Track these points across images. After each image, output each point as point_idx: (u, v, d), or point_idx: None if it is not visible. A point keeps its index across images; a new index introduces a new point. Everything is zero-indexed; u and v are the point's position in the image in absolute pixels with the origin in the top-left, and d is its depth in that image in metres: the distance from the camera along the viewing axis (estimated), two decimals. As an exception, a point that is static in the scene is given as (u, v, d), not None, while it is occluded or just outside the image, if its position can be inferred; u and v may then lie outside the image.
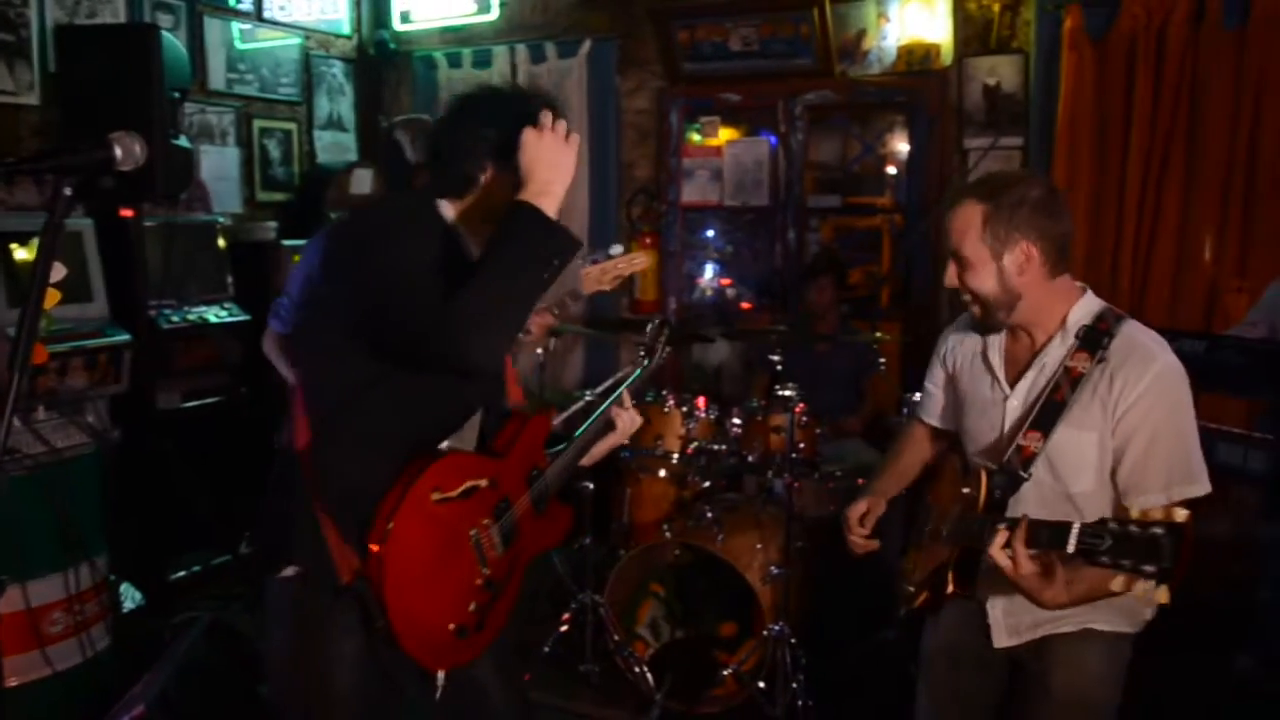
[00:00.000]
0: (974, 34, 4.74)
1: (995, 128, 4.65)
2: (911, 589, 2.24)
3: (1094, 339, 2.00)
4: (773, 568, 3.48)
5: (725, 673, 3.49)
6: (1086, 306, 2.05)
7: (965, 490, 2.04)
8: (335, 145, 5.95)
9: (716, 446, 3.96)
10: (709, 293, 5.80)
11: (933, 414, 2.41)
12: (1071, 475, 2.01)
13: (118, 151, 1.40)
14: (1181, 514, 1.53)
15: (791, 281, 5.24)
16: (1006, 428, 2.10)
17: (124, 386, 3.82)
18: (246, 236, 5.03)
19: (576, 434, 2.27)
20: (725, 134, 5.52)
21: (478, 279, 1.67)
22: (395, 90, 6.17)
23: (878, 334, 4.36)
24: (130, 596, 3.93)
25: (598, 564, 3.78)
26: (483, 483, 1.91)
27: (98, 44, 3.89)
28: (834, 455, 4.24)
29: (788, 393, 3.46)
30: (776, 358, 3.83)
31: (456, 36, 5.96)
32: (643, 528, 3.98)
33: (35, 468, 3.15)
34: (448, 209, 1.90)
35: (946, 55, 4.78)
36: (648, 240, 5.55)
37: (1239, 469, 3.10)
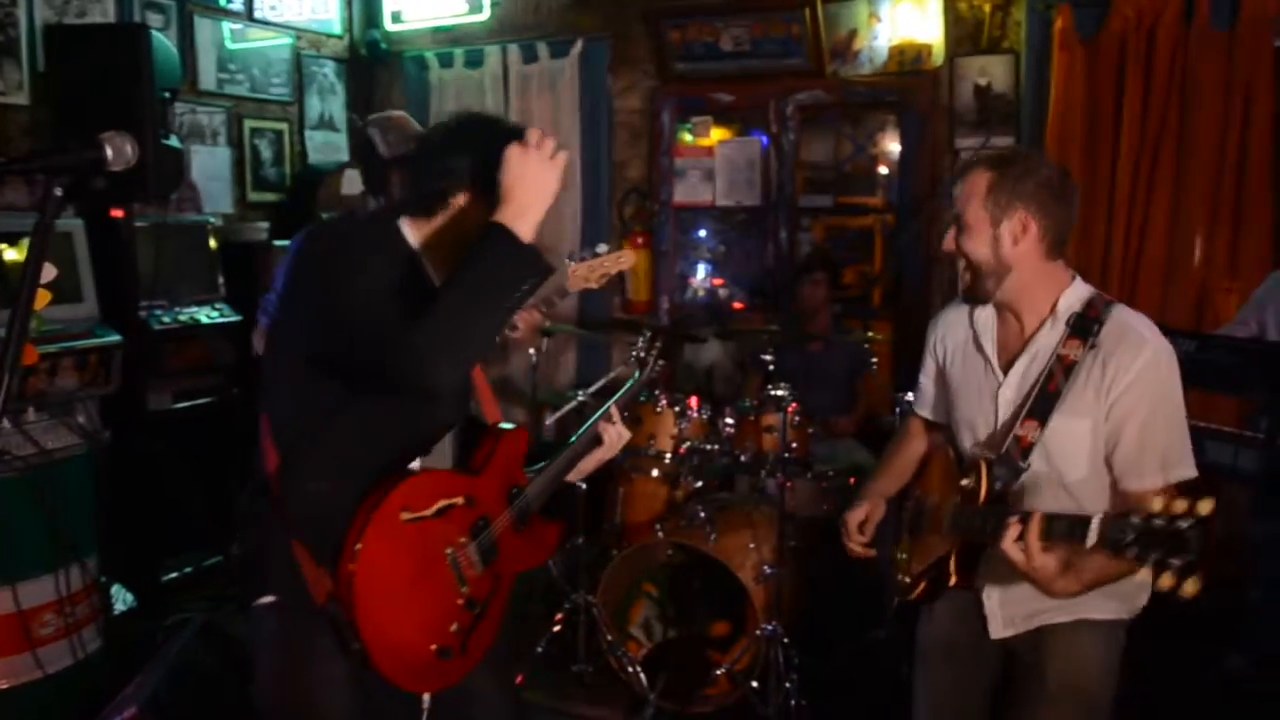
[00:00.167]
0: (965, 34, 4.75)
1: (986, 127, 4.67)
2: (908, 580, 2.24)
3: (1085, 325, 2.02)
4: (765, 567, 3.48)
5: (718, 672, 3.49)
6: (1076, 293, 2.06)
7: (965, 482, 2.05)
8: (327, 145, 5.94)
9: (709, 446, 3.96)
10: (701, 293, 5.81)
11: (925, 407, 2.42)
12: (1067, 463, 2.02)
13: (108, 152, 1.39)
14: (1207, 505, 1.54)
15: (784, 281, 5.24)
16: (1001, 416, 2.11)
17: (115, 387, 3.80)
18: (238, 237, 5.01)
19: (566, 445, 2.23)
20: (717, 134, 5.53)
21: (443, 301, 1.64)
22: (387, 90, 6.16)
23: (870, 334, 4.37)
24: (122, 598, 3.92)
25: (590, 564, 3.78)
26: (458, 501, 1.89)
27: (87, 43, 3.88)
28: (827, 455, 4.25)
29: (780, 393, 3.47)
30: (769, 357, 3.83)
31: (448, 36, 5.96)
32: (635, 527, 3.98)
33: (25, 469, 3.14)
34: (411, 232, 1.85)
35: (938, 55, 4.79)
36: (640, 240, 5.55)
37: (1229, 468, 3.10)
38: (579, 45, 5.49)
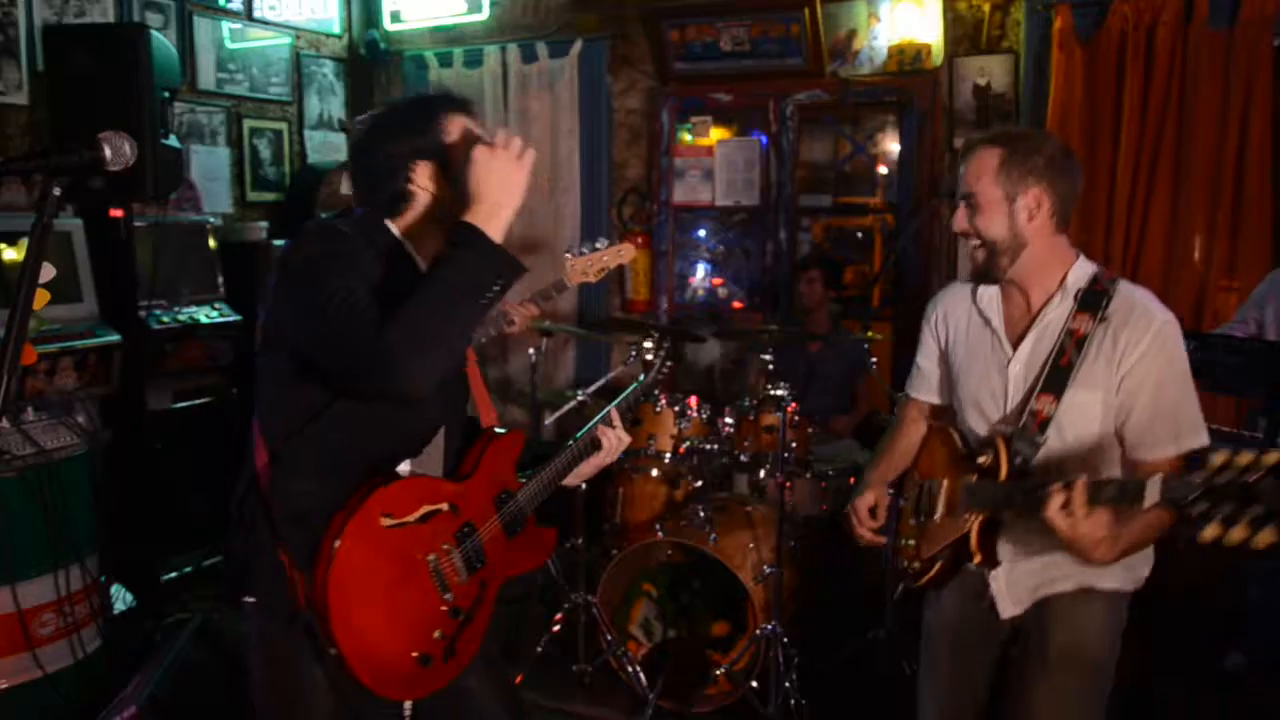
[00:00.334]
0: (964, 34, 4.75)
1: (985, 127, 4.66)
2: (917, 565, 2.23)
3: (1093, 299, 2.05)
4: (765, 567, 3.48)
5: (718, 672, 3.49)
6: (1082, 269, 2.10)
7: (981, 460, 2.07)
8: (326, 145, 5.94)
9: (709, 446, 3.96)
10: (701, 292, 5.81)
11: (926, 389, 2.41)
12: (1079, 435, 2.05)
13: (107, 151, 1.39)
14: (1274, 455, 1.56)
15: (783, 281, 5.25)
16: (1011, 391, 2.12)
17: (114, 387, 3.81)
18: (237, 237, 5.02)
19: (562, 450, 2.19)
20: (716, 134, 5.53)
21: (411, 305, 1.63)
22: (386, 90, 6.16)
23: (869, 333, 4.37)
24: (121, 598, 3.91)
25: (590, 564, 3.77)
26: (442, 507, 1.86)
27: (86, 43, 3.88)
28: (826, 455, 4.25)
29: (780, 392, 3.47)
30: (768, 357, 3.83)
31: (447, 36, 5.96)
32: (635, 527, 3.98)
33: (25, 469, 3.14)
34: (393, 226, 1.86)
35: (937, 55, 4.79)
36: (639, 240, 5.56)
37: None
38: (578, 45, 5.49)
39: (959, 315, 2.28)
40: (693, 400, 4.00)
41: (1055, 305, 2.09)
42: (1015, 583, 2.16)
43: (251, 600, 1.84)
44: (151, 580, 4.12)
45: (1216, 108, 4.12)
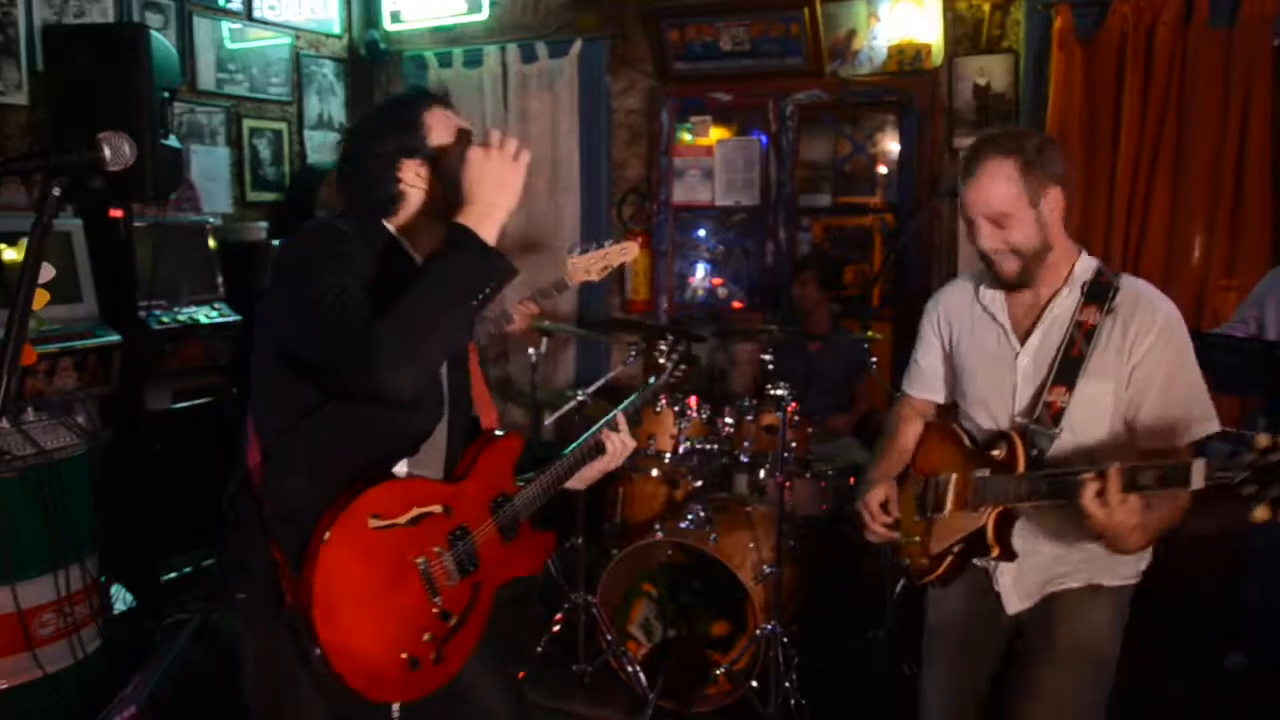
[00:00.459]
0: (964, 34, 4.75)
1: (985, 127, 4.66)
2: (925, 561, 2.23)
3: (1100, 291, 2.08)
4: (765, 567, 3.48)
5: (718, 672, 3.49)
6: (1086, 261, 2.13)
7: (995, 453, 2.07)
8: (326, 145, 5.94)
9: (708, 446, 3.96)
10: (700, 292, 5.80)
11: (926, 387, 2.42)
12: (1090, 425, 2.07)
13: (107, 152, 1.39)
14: None
15: (783, 281, 5.25)
16: (1021, 385, 2.14)
17: (113, 387, 3.81)
18: (237, 237, 5.01)
19: (564, 453, 2.16)
20: (716, 133, 5.52)
21: (400, 306, 1.62)
22: (386, 90, 6.15)
23: (869, 333, 4.36)
24: (121, 598, 3.92)
25: (590, 564, 3.77)
26: (435, 509, 1.85)
27: (86, 43, 3.87)
28: (826, 454, 4.25)
29: (779, 392, 3.47)
30: (768, 357, 3.83)
31: (447, 36, 5.96)
32: (635, 527, 3.98)
33: (24, 469, 3.14)
34: (389, 224, 1.87)
35: (937, 55, 4.79)
36: (639, 240, 5.55)
37: (1229, 467, 3.10)
38: (578, 45, 5.49)
39: (962, 312, 2.29)
40: (692, 400, 4.00)
41: (1063, 298, 2.11)
42: (1023, 578, 2.17)
43: (243, 597, 1.84)
44: (151, 580, 4.12)
45: (1216, 107, 4.12)
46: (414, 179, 1.83)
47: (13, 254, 3.54)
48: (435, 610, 1.84)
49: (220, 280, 4.60)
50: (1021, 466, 2.03)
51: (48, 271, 1.38)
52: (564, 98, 5.55)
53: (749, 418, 3.99)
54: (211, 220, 4.75)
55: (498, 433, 2.06)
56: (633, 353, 3.78)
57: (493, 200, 1.72)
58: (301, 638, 1.70)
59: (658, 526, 3.66)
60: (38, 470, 3.17)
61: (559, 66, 5.54)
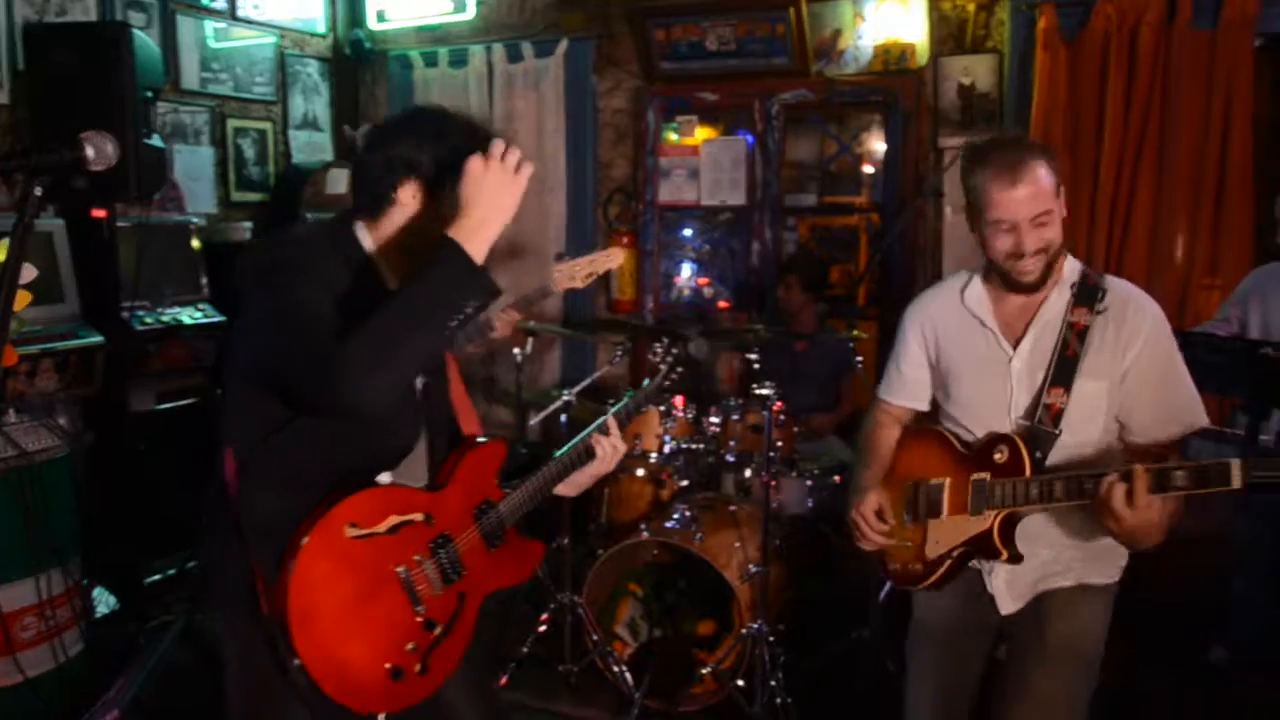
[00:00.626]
0: (949, 34, 4.77)
1: (970, 127, 4.68)
2: (919, 567, 2.23)
3: (1089, 293, 2.11)
4: (751, 566, 3.49)
5: (704, 671, 3.49)
6: (1072, 263, 2.16)
7: (997, 458, 2.09)
8: (310, 145, 5.91)
9: (694, 446, 3.97)
10: (686, 292, 5.81)
11: (909, 396, 2.41)
12: (1086, 425, 2.09)
13: (89, 151, 1.39)
14: None
15: (769, 280, 5.25)
16: (1015, 388, 2.14)
17: (96, 389, 3.79)
18: (221, 237, 4.99)
19: (553, 458, 2.11)
20: (702, 133, 5.53)
21: (375, 319, 1.57)
22: (371, 90, 6.14)
23: (855, 332, 4.38)
24: (104, 601, 3.89)
25: (576, 564, 3.77)
26: (415, 518, 1.81)
27: (68, 42, 3.85)
28: (811, 453, 4.25)
29: (765, 391, 3.47)
30: (754, 356, 3.83)
31: (433, 36, 5.94)
32: (621, 527, 3.98)
33: (5, 472, 3.12)
34: (366, 235, 1.79)
35: (922, 55, 4.81)
36: (625, 240, 5.55)
37: (1212, 464, 3.13)
38: (564, 45, 5.48)
39: (946, 319, 2.29)
40: (678, 400, 4.00)
41: (1054, 300, 2.13)
42: (1016, 580, 2.19)
43: (223, 604, 1.82)
44: (134, 583, 4.10)
45: (1199, 108, 4.14)
46: (409, 197, 1.76)
47: (-6, 254, 3.51)
48: (419, 620, 1.81)
49: (204, 281, 4.58)
50: (1028, 469, 2.04)
51: (29, 272, 1.37)
52: (550, 98, 5.54)
53: (735, 417, 3.99)
54: (195, 220, 4.73)
55: (480, 439, 2.03)
56: (619, 353, 3.78)
57: (486, 215, 1.65)
58: (279, 647, 1.67)
59: (644, 526, 3.66)
60: (19, 472, 3.15)
61: (545, 66, 5.54)
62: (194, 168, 5.22)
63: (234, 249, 4.86)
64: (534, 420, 3.96)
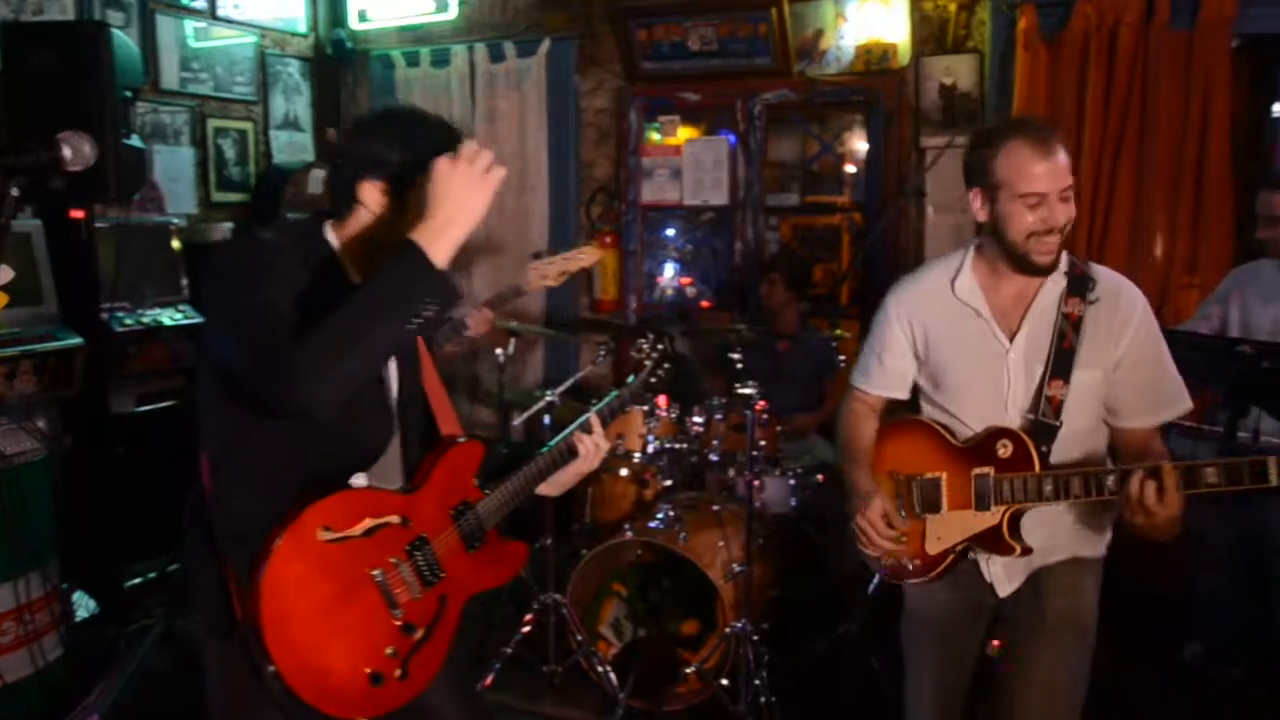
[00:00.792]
0: (930, 34, 4.79)
1: (951, 126, 4.70)
2: (919, 563, 2.22)
3: (1080, 283, 2.12)
4: (734, 565, 3.49)
5: (688, 671, 3.49)
6: (1062, 253, 2.15)
7: (1001, 453, 2.09)
8: (292, 145, 5.88)
9: (678, 445, 3.97)
10: (669, 292, 5.81)
11: (891, 386, 2.36)
12: (1080, 415, 2.11)
13: (66, 151, 1.38)
14: None
15: (751, 280, 5.26)
16: (1013, 380, 2.14)
17: (75, 391, 3.75)
18: (202, 238, 4.96)
19: (534, 457, 2.08)
20: (684, 133, 5.53)
21: (330, 320, 1.55)
22: (352, 90, 6.12)
23: (837, 331, 4.39)
24: (84, 605, 3.86)
25: (559, 564, 3.77)
26: (390, 520, 1.79)
27: (45, 41, 3.81)
28: (794, 453, 4.26)
29: (748, 391, 3.48)
30: (736, 356, 3.84)
31: (414, 36, 5.92)
32: (604, 527, 3.98)
33: (-16, 475, 3.10)
34: (334, 235, 1.78)
35: (903, 55, 4.82)
36: (608, 239, 5.55)
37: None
38: (546, 45, 5.48)
39: (933, 309, 2.25)
40: (661, 400, 4.00)
41: (1048, 289, 2.13)
42: (1014, 563, 2.19)
43: (201, 609, 1.81)
44: (114, 586, 4.07)
45: (1177, 107, 4.17)
46: (373, 197, 1.74)
47: (-30, 256, 3.48)
48: (397, 624, 1.79)
49: (185, 282, 4.55)
50: (1037, 464, 2.05)
51: (6, 274, 1.36)
52: (532, 97, 5.54)
53: (718, 417, 4.00)
54: (175, 221, 4.70)
55: (457, 439, 2.00)
56: (601, 353, 3.78)
57: (450, 217, 1.61)
58: (253, 654, 1.65)
59: (627, 526, 3.66)
60: (-3, 475, 3.13)
61: (527, 66, 5.53)
62: (174, 168, 5.19)
63: (215, 250, 4.84)
64: (517, 421, 3.95)
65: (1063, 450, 2.10)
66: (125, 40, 3.92)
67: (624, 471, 3.99)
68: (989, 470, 2.10)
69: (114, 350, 4.09)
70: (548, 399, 3.67)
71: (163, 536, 4.09)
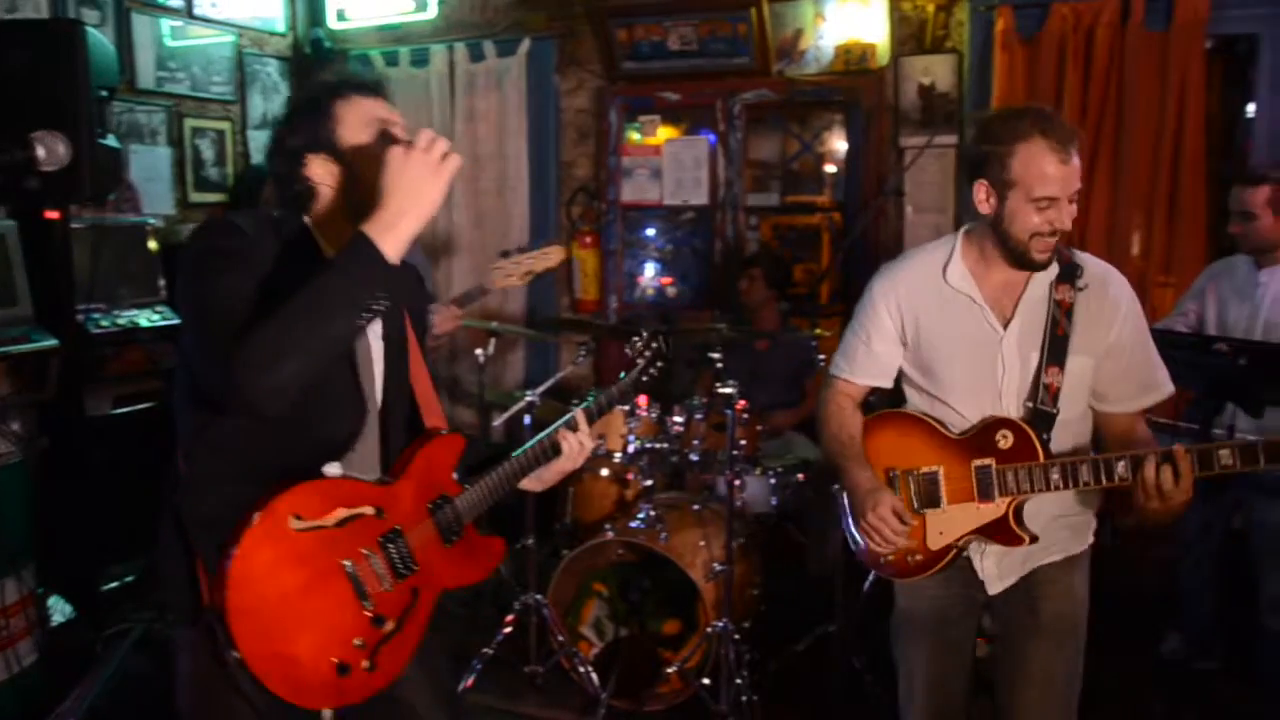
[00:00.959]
0: (909, 34, 4.81)
1: (930, 126, 4.73)
2: (919, 558, 2.20)
3: (1069, 271, 2.12)
4: (715, 564, 3.49)
5: (669, 670, 3.49)
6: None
7: (1001, 445, 2.09)
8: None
9: (658, 445, 3.97)
10: (650, 291, 5.81)
11: (876, 374, 2.31)
12: (1073, 402, 2.13)
13: (40, 151, 1.37)
14: None
15: (732, 279, 5.26)
16: (1008, 368, 2.13)
17: (51, 393, 3.72)
18: (179, 238, 4.93)
19: (515, 454, 2.05)
20: (664, 133, 5.54)
21: (275, 315, 1.52)
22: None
23: (817, 330, 4.40)
24: (60, 609, 3.82)
25: (541, 564, 3.76)
26: (364, 511, 1.77)
27: (18, 40, 3.76)
28: (775, 451, 4.27)
29: (728, 390, 3.48)
30: (717, 355, 3.84)
31: (394, 35, 5.90)
32: (585, 527, 3.98)
33: (-43, 478, 3.06)
34: (309, 222, 1.79)
35: (882, 55, 4.84)
36: (588, 239, 5.55)
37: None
38: (526, 44, 5.47)
39: (925, 295, 2.20)
40: (642, 399, 4.00)
41: (1040, 276, 2.12)
42: (1006, 559, 2.20)
43: (172, 603, 1.79)
44: (91, 591, 4.02)
45: (1153, 107, 4.21)
46: (323, 175, 1.74)
47: (-57, 257, 3.45)
48: (367, 615, 1.77)
49: (162, 283, 4.52)
50: (1041, 453, 2.06)
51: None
52: (512, 97, 5.53)
53: (698, 416, 4.00)
54: (152, 221, 4.66)
55: (438, 432, 1.98)
56: (582, 353, 3.77)
57: (403, 208, 1.57)
58: (218, 640, 1.63)
59: (608, 526, 3.66)
60: (-29, 479, 3.09)
61: (507, 66, 5.52)
62: (151, 168, 5.15)
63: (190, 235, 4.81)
64: (497, 421, 3.94)
65: (1057, 439, 2.11)
66: (101, 39, 3.88)
67: (605, 471, 3.99)
68: (990, 461, 2.10)
69: (90, 352, 4.05)
70: (528, 399, 3.65)
71: (139, 540, 4.07)
